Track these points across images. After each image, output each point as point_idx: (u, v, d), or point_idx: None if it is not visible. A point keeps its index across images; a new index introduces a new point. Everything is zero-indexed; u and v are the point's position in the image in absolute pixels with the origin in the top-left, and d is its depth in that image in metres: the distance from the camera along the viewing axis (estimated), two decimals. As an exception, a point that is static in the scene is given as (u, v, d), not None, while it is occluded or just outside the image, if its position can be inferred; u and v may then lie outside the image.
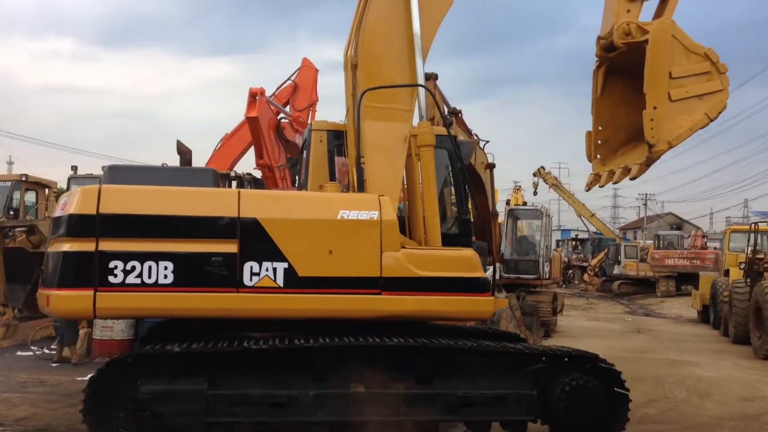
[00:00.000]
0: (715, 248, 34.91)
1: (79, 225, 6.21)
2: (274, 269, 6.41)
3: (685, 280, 31.34)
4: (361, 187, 7.06)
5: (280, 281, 6.41)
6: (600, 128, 7.64)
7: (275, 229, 6.45)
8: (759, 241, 17.92)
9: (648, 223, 69.09)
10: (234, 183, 17.22)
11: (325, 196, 7.07)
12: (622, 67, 7.47)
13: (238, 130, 18.23)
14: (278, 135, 14.09)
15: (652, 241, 40.61)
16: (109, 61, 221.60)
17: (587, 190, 7.90)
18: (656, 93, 6.81)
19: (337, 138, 7.73)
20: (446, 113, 10.49)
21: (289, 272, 6.43)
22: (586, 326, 20.85)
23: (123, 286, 6.10)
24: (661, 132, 6.81)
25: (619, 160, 7.51)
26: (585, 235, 50.19)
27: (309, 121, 17.97)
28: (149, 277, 6.16)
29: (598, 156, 7.64)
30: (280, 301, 6.43)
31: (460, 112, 11.44)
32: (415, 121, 7.48)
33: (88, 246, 6.14)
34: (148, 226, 6.31)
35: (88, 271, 6.11)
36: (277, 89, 18.16)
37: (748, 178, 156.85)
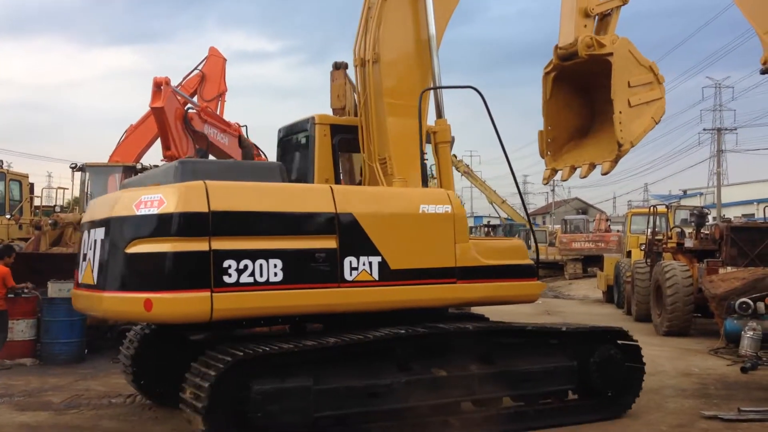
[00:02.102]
0: (618, 231, 36.46)
1: (189, 223, 5.97)
2: (370, 263, 6.67)
3: (591, 262, 32.57)
4: (426, 182, 7.55)
5: (375, 275, 6.69)
6: (549, 128, 8.66)
7: (369, 223, 6.70)
8: (658, 223, 18.80)
9: (556, 208, 71.42)
10: (141, 176, 16.68)
11: (404, 191, 7.41)
12: (567, 75, 8.49)
13: (143, 121, 17.64)
14: (186, 126, 13.65)
15: (559, 226, 41.96)
16: (3, 49, 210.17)
17: (545, 184, 9.31)
18: (621, 99, 7.86)
19: (339, 132, 7.87)
20: (358, 102, 10.46)
21: (383, 266, 6.72)
22: (499, 309, 21.30)
23: (237, 285, 6.00)
24: (625, 133, 7.84)
25: (569, 156, 8.59)
26: (497, 221, 51.40)
27: (218, 112, 17.61)
28: (261, 275, 6.09)
29: (549, 153, 8.67)
30: (377, 294, 6.71)
31: (371, 101, 11.42)
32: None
33: (200, 245, 5.93)
34: (258, 224, 6.24)
35: (201, 272, 5.91)
36: (184, 79, 17.68)
37: (647, 163, 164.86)
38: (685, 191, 62.31)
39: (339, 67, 9.79)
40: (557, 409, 7.63)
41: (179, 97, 13.81)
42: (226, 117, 17.01)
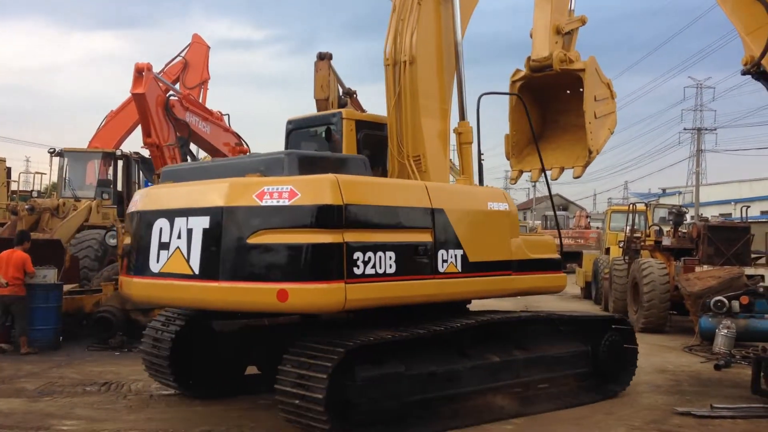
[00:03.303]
0: (597, 228, 36.70)
1: (325, 215, 6.08)
2: (455, 256, 7.07)
3: (570, 259, 32.59)
4: (482, 181, 8.07)
5: (459, 267, 7.09)
6: (514, 132, 9.56)
7: (455, 219, 7.13)
8: (636, 220, 18.95)
9: (537, 204, 71.71)
10: (120, 162, 16.53)
11: (475, 189, 8.11)
12: (531, 86, 9.37)
13: (124, 107, 17.50)
14: (167, 113, 13.51)
15: (540, 222, 42.16)
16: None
17: (513, 184, 10.01)
18: (590, 111, 8.86)
19: (364, 128, 8.19)
20: (341, 93, 10.43)
21: (464, 258, 7.16)
22: (479, 304, 21.36)
23: (363, 277, 6.20)
24: (594, 142, 8.89)
25: (531, 159, 9.42)
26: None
27: (200, 100, 17.48)
28: (380, 267, 6.32)
29: (513, 155, 9.59)
30: (461, 285, 7.15)
31: (355, 92, 11.39)
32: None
33: (335, 237, 6.07)
34: (378, 217, 6.49)
35: (336, 263, 6.05)
36: (167, 65, 17.55)
37: (628, 161, 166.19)
38: (664, 190, 62.83)
39: (323, 57, 9.77)
40: (559, 392, 8.21)
41: (161, 84, 13.67)
42: (208, 105, 16.90)
